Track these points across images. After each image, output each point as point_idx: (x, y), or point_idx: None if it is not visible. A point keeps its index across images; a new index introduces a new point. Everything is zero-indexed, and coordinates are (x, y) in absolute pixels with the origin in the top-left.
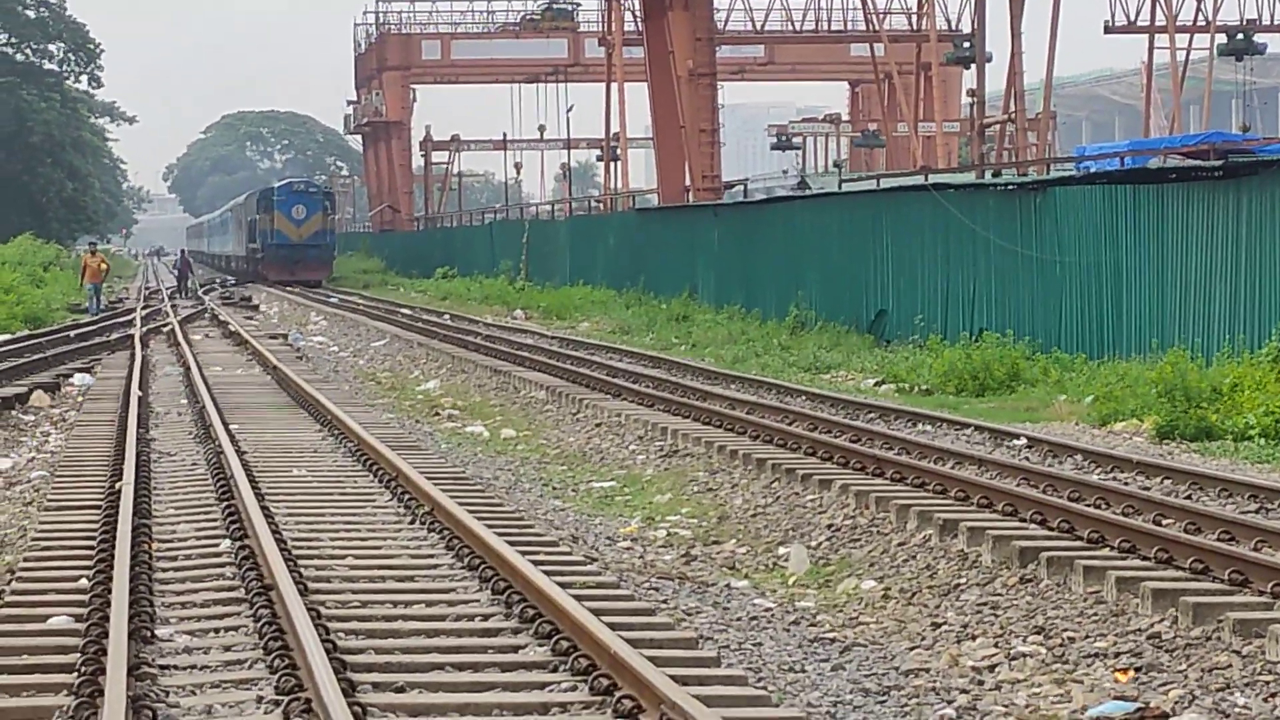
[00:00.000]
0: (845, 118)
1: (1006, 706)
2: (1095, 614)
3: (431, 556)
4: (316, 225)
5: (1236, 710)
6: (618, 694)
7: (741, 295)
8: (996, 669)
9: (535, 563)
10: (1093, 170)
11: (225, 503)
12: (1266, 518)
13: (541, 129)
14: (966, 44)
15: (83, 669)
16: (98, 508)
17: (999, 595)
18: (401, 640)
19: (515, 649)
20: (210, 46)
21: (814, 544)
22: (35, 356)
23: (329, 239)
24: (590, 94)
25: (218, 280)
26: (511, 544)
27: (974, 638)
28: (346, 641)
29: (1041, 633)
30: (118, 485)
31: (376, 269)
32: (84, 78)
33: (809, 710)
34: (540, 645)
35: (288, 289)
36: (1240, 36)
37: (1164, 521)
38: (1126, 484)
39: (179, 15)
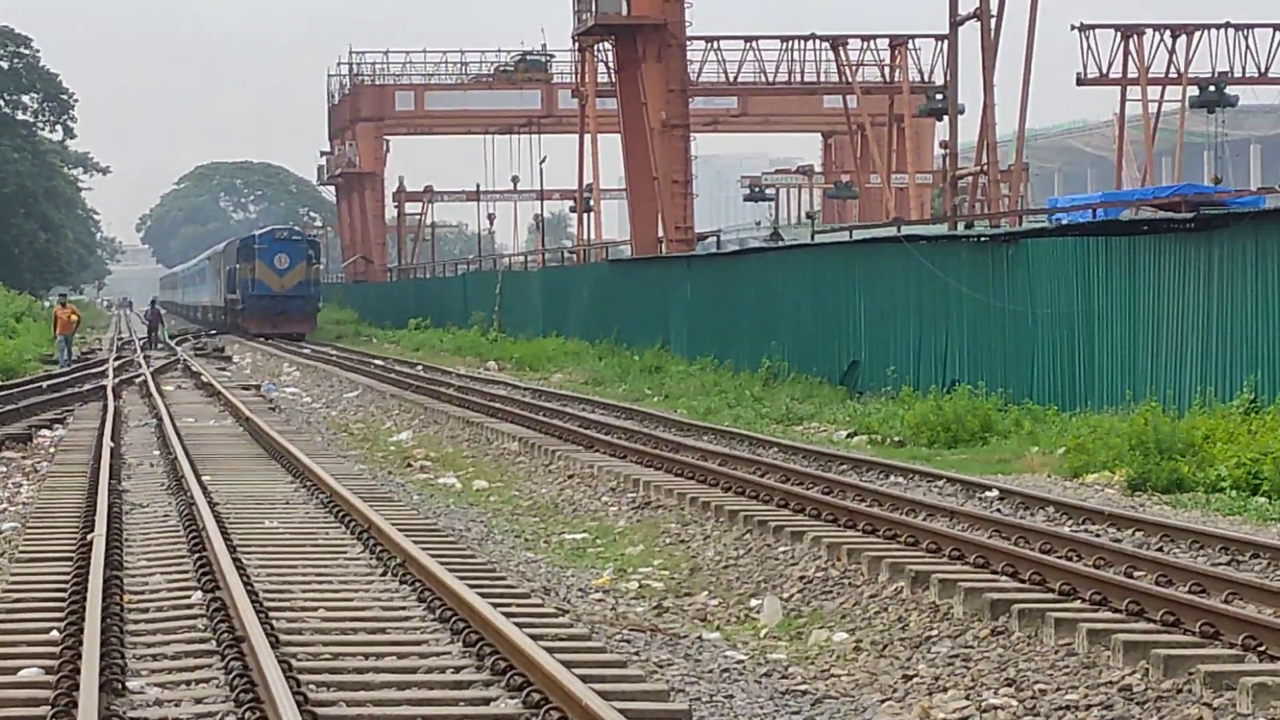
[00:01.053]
0: (818, 169)
1: None
2: (1067, 666)
3: (403, 609)
4: (300, 275)
5: None
6: None
7: (714, 346)
8: None
9: (507, 615)
10: (1065, 222)
11: (197, 554)
12: (1238, 570)
13: (515, 180)
14: (939, 96)
15: None
16: (69, 559)
17: (971, 647)
18: (373, 693)
19: (486, 701)
20: (185, 96)
21: (786, 596)
22: (7, 408)
23: (313, 290)
24: (563, 145)
25: (190, 332)
26: (483, 596)
27: (945, 690)
28: (318, 694)
29: (1013, 685)
30: (89, 537)
31: (349, 320)
32: (58, 128)
33: None
34: (512, 698)
35: (261, 341)
36: (1212, 89)
37: (1135, 574)
38: (1098, 536)
39: (154, 67)
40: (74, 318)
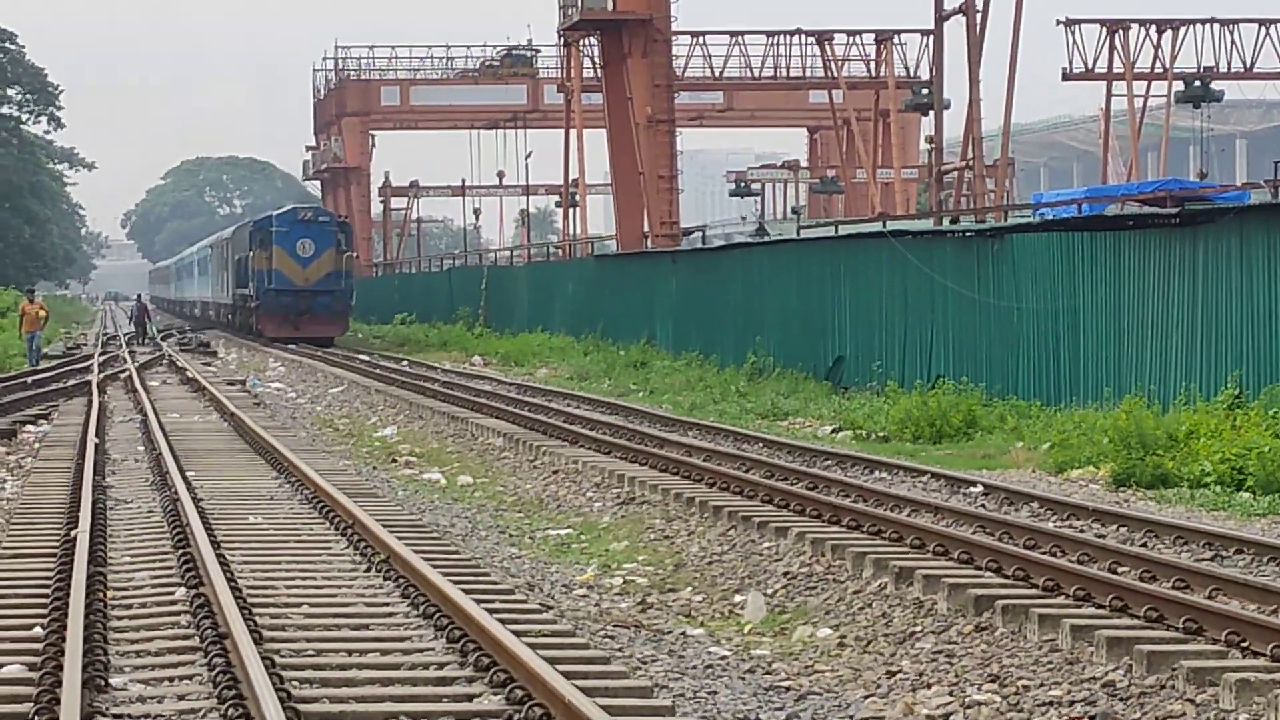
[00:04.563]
0: (804, 164)
1: None
2: (1050, 662)
3: (387, 605)
4: (328, 265)
5: None
6: None
7: (700, 341)
8: (951, 718)
9: (490, 611)
10: (1050, 217)
11: (181, 550)
12: (1221, 565)
13: (500, 175)
14: (925, 91)
15: (35, 717)
16: (53, 555)
17: (954, 643)
18: (356, 689)
19: (470, 698)
20: (170, 92)
21: (770, 591)
22: None
23: (345, 283)
24: (549, 140)
25: (175, 329)
26: (467, 592)
27: (929, 686)
28: (301, 690)
29: (996, 681)
30: (73, 533)
31: None
32: (43, 118)
33: None
34: (495, 694)
35: (245, 336)
36: (1198, 84)
37: (1119, 569)
38: (1082, 532)
39: (139, 60)
40: (42, 314)
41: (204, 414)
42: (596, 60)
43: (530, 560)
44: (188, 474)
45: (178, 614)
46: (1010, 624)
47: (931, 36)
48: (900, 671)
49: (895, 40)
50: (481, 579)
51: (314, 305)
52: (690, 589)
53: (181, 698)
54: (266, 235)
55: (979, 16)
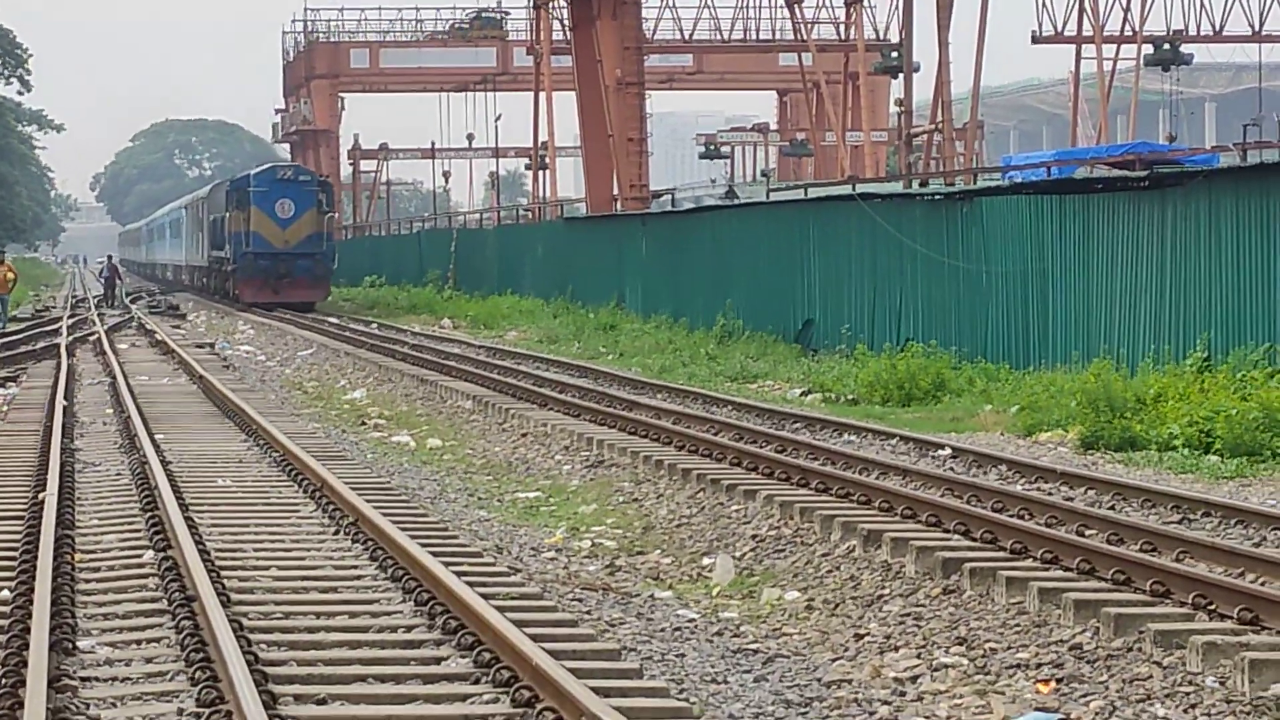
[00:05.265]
0: (773, 127)
1: (928, 718)
2: (1018, 625)
3: (355, 567)
4: (309, 227)
5: None
6: (539, 706)
7: (669, 304)
8: (919, 680)
9: (458, 574)
10: (1020, 180)
11: (149, 513)
12: (1189, 529)
13: (470, 138)
14: (894, 53)
15: (2, 680)
16: (21, 518)
17: (922, 606)
18: (324, 652)
19: (438, 661)
20: (138, 53)
21: (738, 554)
22: None
23: (326, 245)
24: (518, 103)
25: (144, 292)
26: (435, 555)
27: (897, 649)
28: (268, 653)
29: (964, 644)
30: (41, 496)
31: None
32: (13, 81)
33: None
34: (463, 657)
35: (220, 300)
36: (1167, 47)
37: (1087, 532)
38: (1050, 494)
39: (107, 23)
40: (10, 276)
41: (173, 377)
42: (566, 23)
43: (499, 523)
44: (156, 437)
45: (146, 577)
46: (978, 587)
47: None
48: (868, 634)
49: (865, 3)
50: (450, 542)
51: (294, 269)
52: (659, 552)
53: (149, 660)
54: (244, 195)
55: None
